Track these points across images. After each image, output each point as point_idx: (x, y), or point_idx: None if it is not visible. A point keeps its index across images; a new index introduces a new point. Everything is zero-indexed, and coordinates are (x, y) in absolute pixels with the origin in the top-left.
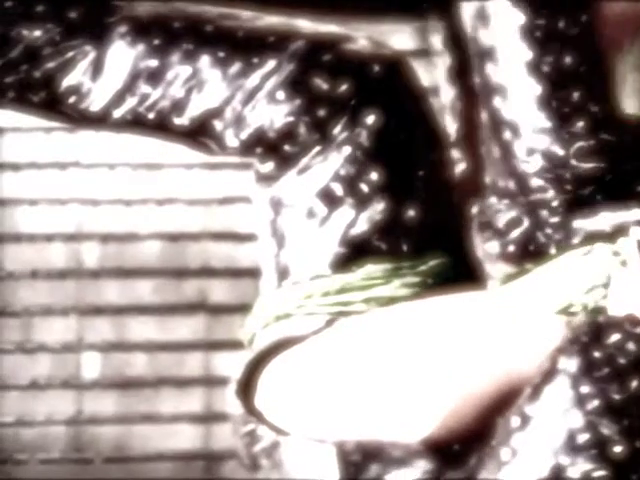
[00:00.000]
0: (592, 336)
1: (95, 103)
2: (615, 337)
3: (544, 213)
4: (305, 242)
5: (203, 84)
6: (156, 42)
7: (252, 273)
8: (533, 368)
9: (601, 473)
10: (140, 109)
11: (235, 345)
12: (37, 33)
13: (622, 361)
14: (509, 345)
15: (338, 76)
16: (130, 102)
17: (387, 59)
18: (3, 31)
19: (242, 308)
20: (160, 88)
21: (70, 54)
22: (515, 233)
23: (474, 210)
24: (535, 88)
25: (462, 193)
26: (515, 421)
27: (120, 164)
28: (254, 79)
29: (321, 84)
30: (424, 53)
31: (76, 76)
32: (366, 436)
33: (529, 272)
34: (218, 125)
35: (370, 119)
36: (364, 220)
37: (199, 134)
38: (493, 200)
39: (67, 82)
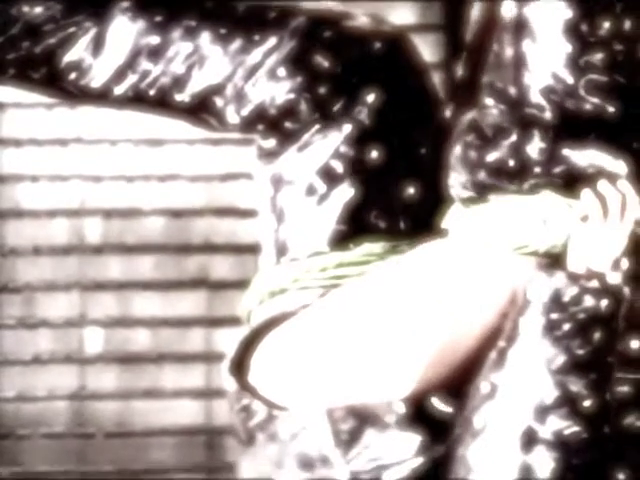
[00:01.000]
0: (550, 295)
1: (96, 79)
2: (572, 293)
3: (535, 132)
4: (304, 219)
5: (204, 61)
6: (157, 18)
7: (254, 249)
8: (498, 311)
9: (573, 429)
10: (141, 85)
11: (237, 321)
12: (38, 10)
13: (581, 316)
14: (475, 288)
15: (339, 53)
16: (131, 79)
17: (387, 36)
18: (3, 8)
19: (244, 284)
20: (161, 64)
21: (71, 30)
22: (501, 143)
23: (466, 117)
24: (567, 10)
25: (455, 102)
26: (485, 388)
27: (122, 140)
28: (255, 56)
29: (322, 61)
30: (425, 28)
31: (77, 52)
32: (355, 399)
33: (500, 192)
34: (219, 101)
35: (371, 97)
36: (363, 198)
37: (200, 110)
38: (489, 101)
39: (68, 58)
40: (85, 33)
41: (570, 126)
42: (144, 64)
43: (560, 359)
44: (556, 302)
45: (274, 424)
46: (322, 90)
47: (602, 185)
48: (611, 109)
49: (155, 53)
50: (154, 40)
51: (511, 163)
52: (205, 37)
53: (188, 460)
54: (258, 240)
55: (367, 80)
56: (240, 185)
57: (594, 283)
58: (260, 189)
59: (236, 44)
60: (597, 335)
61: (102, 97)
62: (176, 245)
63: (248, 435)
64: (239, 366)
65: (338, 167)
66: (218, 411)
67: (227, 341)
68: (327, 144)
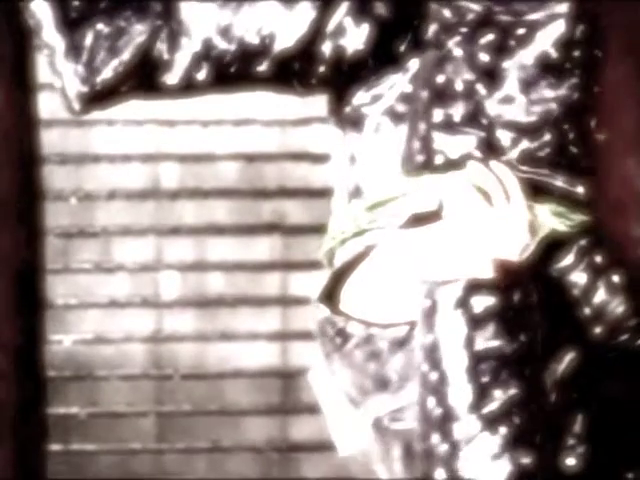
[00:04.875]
0: (450, 298)
1: (176, 72)
2: (464, 292)
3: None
4: (375, 160)
5: (275, 28)
6: None
7: (328, 193)
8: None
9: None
10: (220, 67)
11: (311, 265)
12: (108, 28)
13: (478, 313)
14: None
15: None
16: (209, 63)
17: None
18: (77, 41)
19: (318, 229)
20: (235, 42)
21: (145, 36)
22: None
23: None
24: None
25: None
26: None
27: None
28: (321, 13)
29: (383, 7)
30: None
31: (156, 53)
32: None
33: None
34: (296, 65)
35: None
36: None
37: (281, 77)
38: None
39: (149, 62)
40: (158, 32)
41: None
42: (219, 45)
43: (469, 359)
44: (455, 305)
45: (372, 343)
46: (387, 36)
47: (477, 170)
48: None
49: (227, 32)
50: (223, 20)
51: (457, 86)
52: (271, 5)
53: (263, 401)
54: (331, 184)
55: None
56: (313, 130)
57: (487, 278)
58: (332, 133)
59: (301, 6)
60: (494, 329)
61: (186, 88)
62: (251, 190)
63: (344, 357)
64: (331, 295)
65: (403, 108)
66: (293, 353)
67: (302, 284)
68: (393, 85)
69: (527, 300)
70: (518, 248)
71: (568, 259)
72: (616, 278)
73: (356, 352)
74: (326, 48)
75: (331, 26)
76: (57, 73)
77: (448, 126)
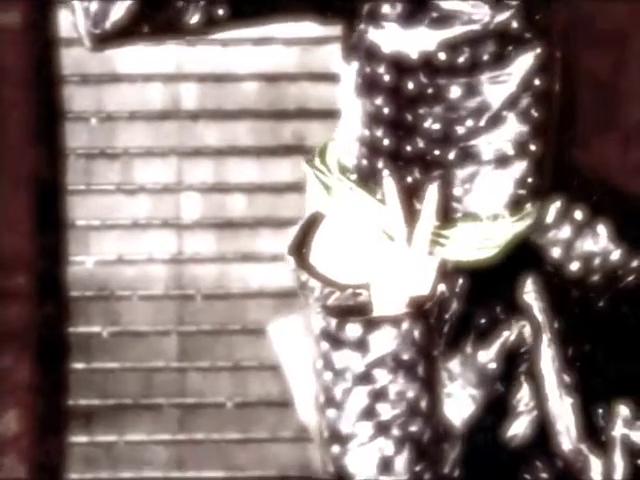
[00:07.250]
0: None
1: (195, 11)
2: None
3: None
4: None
5: None
6: None
7: None
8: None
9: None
10: (239, 2)
11: None
12: None
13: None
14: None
15: None
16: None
17: None
18: None
19: None
20: None
21: None
22: None
23: None
24: None
25: None
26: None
27: None
28: None
29: None
30: None
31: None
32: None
33: None
34: None
35: None
36: None
37: (299, 9)
38: None
39: (164, 2)
40: None
41: None
42: None
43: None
44: (354, 345)
45: (329, 299)
46: None
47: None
48: None
49: None
50: None
51: (384, 80)
52: None
53: None
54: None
55: None
56: (334, 49)
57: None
58: (340, 60)
59: None
60: (391, 366)
61: (206, 26)
62: (271, 111)
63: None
64: (299, 247)
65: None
66: None
67: None
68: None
69: (428, 339)
70: (420, 287)
71: (548, 219)
72: (601, 229)
73: (317, 307)
74: None
75: None
76: (72, 10)
77: (377, 118)
